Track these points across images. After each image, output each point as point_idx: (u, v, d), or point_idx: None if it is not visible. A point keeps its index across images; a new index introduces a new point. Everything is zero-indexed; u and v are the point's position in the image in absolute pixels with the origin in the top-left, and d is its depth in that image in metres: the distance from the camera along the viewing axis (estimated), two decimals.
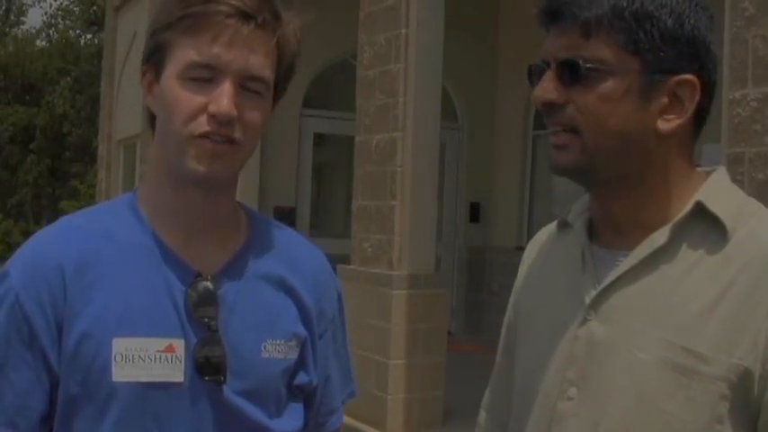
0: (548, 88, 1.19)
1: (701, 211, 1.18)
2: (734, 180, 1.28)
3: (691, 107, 1.18)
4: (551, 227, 1.42)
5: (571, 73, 1.17)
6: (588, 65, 1.15)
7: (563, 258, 1.32)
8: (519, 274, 1.46)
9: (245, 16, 1.22)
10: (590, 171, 1.20)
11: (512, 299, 1.47)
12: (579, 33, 1.16)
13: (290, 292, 1.36)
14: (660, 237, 1.18)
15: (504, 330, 1.48)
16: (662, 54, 1.16)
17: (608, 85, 1.16)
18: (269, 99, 1.29)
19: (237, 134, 1.23)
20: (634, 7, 1.15)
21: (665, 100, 1.17)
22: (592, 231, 1.29)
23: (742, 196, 1.25)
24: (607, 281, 1.21)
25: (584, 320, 1.21)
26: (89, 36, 23.66)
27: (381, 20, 6.33)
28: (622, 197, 1.22)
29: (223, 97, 1.21)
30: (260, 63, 1.24)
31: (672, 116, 1.18)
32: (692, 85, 1.18)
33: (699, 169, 1.26)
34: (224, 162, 1.24)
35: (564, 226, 1.36)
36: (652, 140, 1.18)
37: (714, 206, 1.18)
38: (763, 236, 1.16)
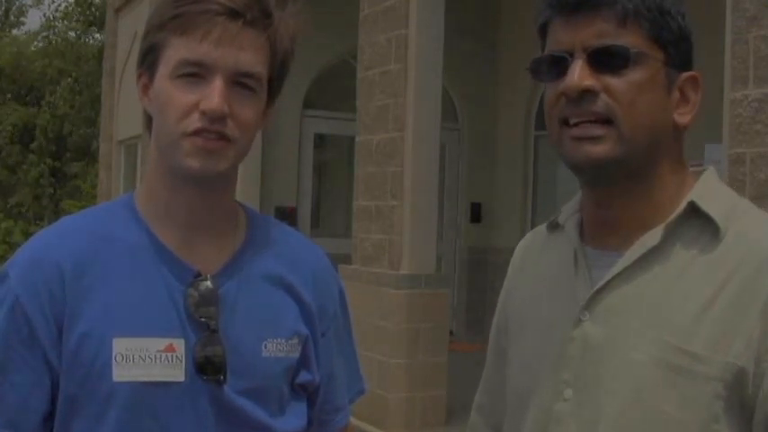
0: (582, 76, 1.16)
1: (693, 211, 1.18)
2: (735, 180, 1.29)
3: (697, 102, 1.21)
4: (541, 228, 1.42)
5: (606, 61, 1.16)
6: (635, 50, 1.15)
7: (555, 259, 1.32)
8: (508, 275, 1.45)
9: (234, 14, 1.23)
10: (620, 163, 1.18)
11: (501, 300, 1.46)
12: (616, 21, 1.16)
13: (290, 290, 1.37)
14: (653, 237, 1.18)
15: (493, 331, 1.48)
16: (678, 49, 1.18)
17: (641, 74, 1.16)
18: (262, 96, 1.30)
19: (230, 131, 1.24)
20: (657, 1, 1.17)
21: (677, 94, 1.20)
22: (583, 232, 1.29)
23: (733, 196, 1.25)
24: (601, 282, 1.20)
25: (579, 321, 1.21)
26: (87, 35, 23.62)
27: (381, 20, 6.34)
28: (625, 196, 1.21)
29: (213, 94, 1.22)
30: (250, 60, 1.25)
31: (684, 110, 1.20)
32: (696, 81, 1.21)
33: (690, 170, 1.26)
34: (217, 158, 1.24)
35: (554, 227, 1.36)
36: (670, 134, 1.20)
37: (707, 206, 1.18)
38: (755, 235, 1.16)
